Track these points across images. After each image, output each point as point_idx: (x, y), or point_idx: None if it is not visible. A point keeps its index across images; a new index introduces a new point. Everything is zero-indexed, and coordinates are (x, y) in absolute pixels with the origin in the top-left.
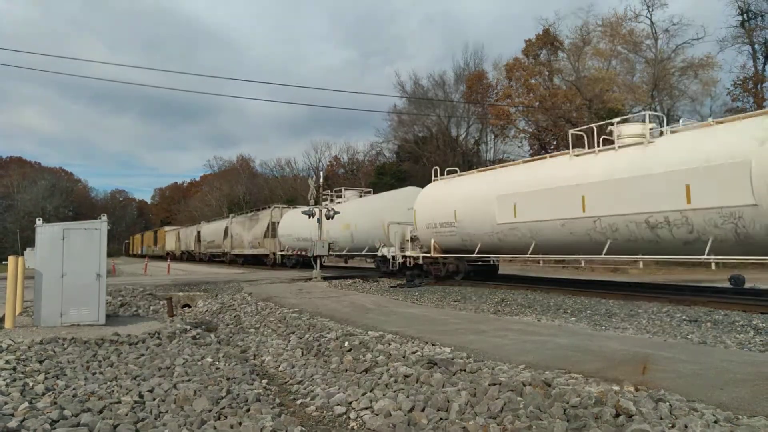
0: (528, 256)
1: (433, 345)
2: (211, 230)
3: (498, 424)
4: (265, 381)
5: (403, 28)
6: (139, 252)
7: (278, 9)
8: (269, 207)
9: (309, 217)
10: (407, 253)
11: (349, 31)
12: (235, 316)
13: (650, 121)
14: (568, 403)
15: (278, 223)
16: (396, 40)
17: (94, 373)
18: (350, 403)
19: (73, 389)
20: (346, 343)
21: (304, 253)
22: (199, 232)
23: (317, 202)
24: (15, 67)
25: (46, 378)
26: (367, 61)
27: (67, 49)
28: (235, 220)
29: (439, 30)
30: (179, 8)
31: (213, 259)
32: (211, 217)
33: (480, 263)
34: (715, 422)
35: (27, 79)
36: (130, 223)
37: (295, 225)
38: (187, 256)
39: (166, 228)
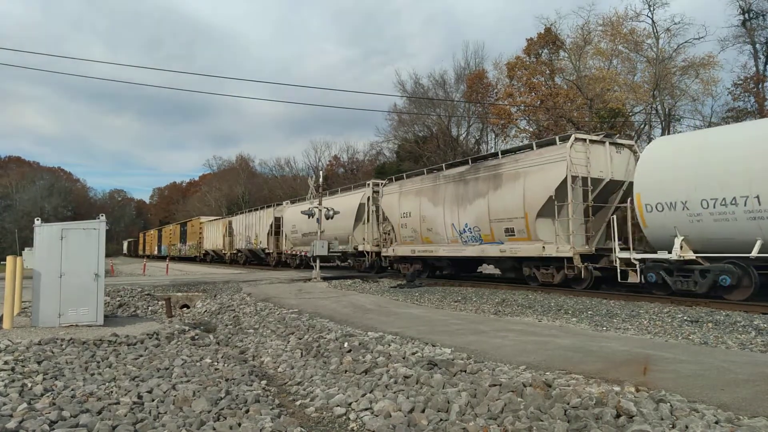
0: None
1: (433, 346)
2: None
3: (498, 425)
4: (264, 382)
5: (404, 27)
6: (156, 253)
7: (279, 8)
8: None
9: (308, 217)
10: None
11: (350, 30)
12: (233, 317)
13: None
14: (568, 403)
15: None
16: (397, 40)
17: (92, 374)
18: (350, 404)
19: (72, 390)
20: (346, 344)
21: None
22: (277, 219)
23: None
24: (14, 66)
25: (44, 379)
26: (368, 60)
27: (66, 48)
28: (397, 189)
29: (439, 29)
30: (179, 7)
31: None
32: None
33: None
34: (716, 423)
35: (26, 79)
36: (128, 223)
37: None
38: (247, 259)
39: (203, 218)
